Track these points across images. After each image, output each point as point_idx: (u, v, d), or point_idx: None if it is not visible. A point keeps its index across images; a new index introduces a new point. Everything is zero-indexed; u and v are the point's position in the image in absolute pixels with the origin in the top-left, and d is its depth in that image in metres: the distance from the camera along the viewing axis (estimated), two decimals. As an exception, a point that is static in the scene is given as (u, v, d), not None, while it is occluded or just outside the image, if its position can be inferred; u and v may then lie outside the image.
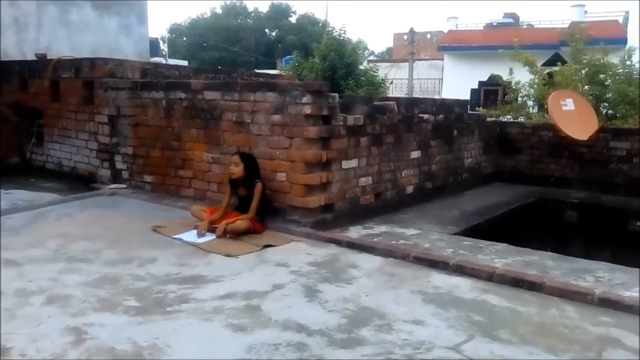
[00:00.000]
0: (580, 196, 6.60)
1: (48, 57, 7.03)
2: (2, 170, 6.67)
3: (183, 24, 44.27)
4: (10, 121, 7.01)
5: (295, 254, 3.81)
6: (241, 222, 4.16)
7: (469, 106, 8.48)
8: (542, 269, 3.51)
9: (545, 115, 9.30)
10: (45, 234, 4.12)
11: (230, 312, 2.79)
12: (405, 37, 27.98)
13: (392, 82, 23.96)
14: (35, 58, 7.10)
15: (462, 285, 3.24)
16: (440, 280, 3.33)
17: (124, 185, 5.78)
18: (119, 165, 5.90)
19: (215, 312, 2.77)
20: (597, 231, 5.97)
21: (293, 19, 44.32)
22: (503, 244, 4.09)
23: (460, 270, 3.45)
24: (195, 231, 4.19)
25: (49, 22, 8.41)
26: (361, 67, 18.64)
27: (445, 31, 27.47)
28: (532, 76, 10.82)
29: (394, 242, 4.08)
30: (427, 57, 30.60)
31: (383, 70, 22.11)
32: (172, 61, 24.17)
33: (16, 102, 6.98)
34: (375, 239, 4.14)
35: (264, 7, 49.14)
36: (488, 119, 8.08)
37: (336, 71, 16.69)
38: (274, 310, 2.82)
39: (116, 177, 5.92)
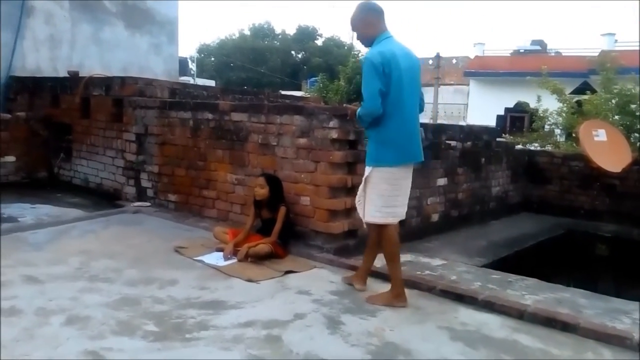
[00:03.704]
0: (611, 229, 6.38)
1: (80, 74, 7.18)
2: (30, 184, 6.78)
3: (212, 44, 45.02)
4: (40, 136, 7.14)
5: (317, 281, 3.72)
6: (263, 246, 4.09)
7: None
8: (574, 308, 3.36)
9: (574, 144, 9.11)
10: (68, 250, 4.11)
11: (250, 341, 2.71)
12: (430, 61, 27.96)
13: (416, 106, 23.86)
14: (67, 75, 7.26)
15: (492, 323, 3.11)
16: (468, 316, 3.19)
17: (148, 204, 5.79)
18: (144, 183, 5.92)
19: (235, 341, 2.70)
20: (630, 267, 5.73)
21: (319, 42, 44.71)
22: (533, 279, 3.94)
23: (489, 306, 3.31)
24: (216, 253, 4.15)
25: (82, 39, 8.60)
26: (386, 90, 18.63)
27: (472, 57, 27.41)
28: (560, 104, 10.66)
29: (419, 272, 3.96)
30: (452, 82, 30.51)
31: (408, 94, 22.04)
32: (200, 80, 24.60)
33: (46, 117, 7.12)
34: (399, 269, 4.02)
35: (291, 30, 49.75)
36: (516, 147, 7.94)
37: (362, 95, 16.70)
38: (295, 342, 2.73)
39: (141, 194, 5.94)
